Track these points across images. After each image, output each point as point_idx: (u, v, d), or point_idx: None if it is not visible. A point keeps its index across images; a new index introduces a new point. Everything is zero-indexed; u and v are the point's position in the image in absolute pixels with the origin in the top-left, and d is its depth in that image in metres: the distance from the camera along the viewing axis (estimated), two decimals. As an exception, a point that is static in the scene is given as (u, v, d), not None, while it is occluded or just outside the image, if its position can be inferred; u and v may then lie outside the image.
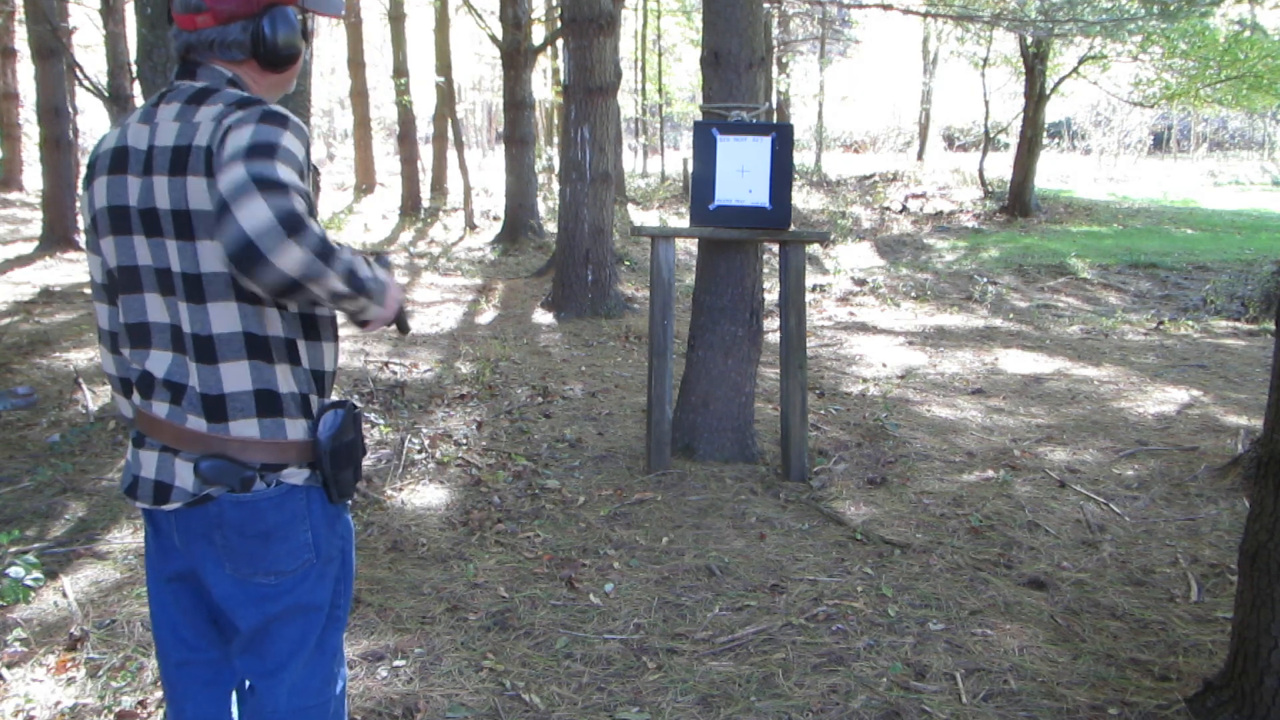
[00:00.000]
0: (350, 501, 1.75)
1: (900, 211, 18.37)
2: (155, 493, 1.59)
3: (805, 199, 19.85)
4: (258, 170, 1.37)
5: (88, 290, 9.21)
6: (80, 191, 1.63)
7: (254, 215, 1.32)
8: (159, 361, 1.56)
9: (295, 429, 1.58)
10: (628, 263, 12.25)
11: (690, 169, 4.66)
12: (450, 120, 18.73)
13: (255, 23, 1.59)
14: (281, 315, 1.57)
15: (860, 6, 14.29)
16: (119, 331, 1.62)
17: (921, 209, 18.42)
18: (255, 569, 1.60)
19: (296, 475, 1.59)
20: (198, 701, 1.75)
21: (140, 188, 1.52)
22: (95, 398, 5.52)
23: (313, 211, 1.43)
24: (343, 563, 1.72)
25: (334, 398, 1.69)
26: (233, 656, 1.71)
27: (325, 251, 1.38)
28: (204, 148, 1.48)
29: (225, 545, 1.59)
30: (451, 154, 19.65)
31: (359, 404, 5.42)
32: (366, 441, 4.87)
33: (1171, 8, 11.31)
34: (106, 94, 9.90)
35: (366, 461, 4.62)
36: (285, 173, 1.40)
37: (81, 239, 12.77)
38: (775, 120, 10.49)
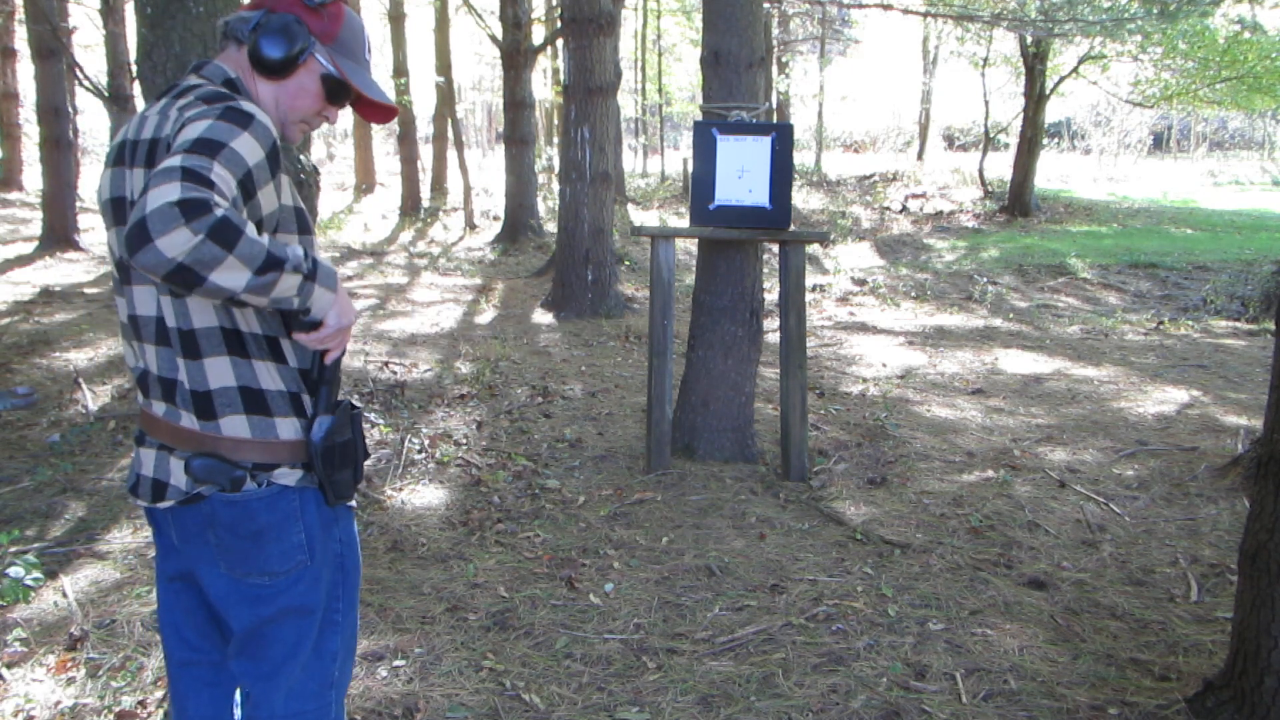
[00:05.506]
0: (353, 504, 1.73)
1: (900, 211, 18.36)
2: (153, 491, 1.60)
3: (805, 199, 19.85)
4: (191, 163, 1.31)
5: (88, 290, 9.21)
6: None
7: (159, 197, 1.26)
8: (152, 356, 1.57)
9: (287, 429, 1.58)
10: (628, 263, 12.24)
11: (690, 169, 4.66)
12: (450, 120, 18.75)
13: (265, 13, 1.59)
14: (258, 312, 1.54)
15: (860, 6, 14.29)
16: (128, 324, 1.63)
17: (921, 209, 18.41)
18: (249, 569, 1.59)
19: (289, 476, 1.59)
20: (199, 701, 1.76)
21: (129, 179, 1.54)
22: (95, 398, 5.52)
23: (242, 224, 1.31)
24: (340, 567, 1.69)
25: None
26: (229, 660, 1.70)
27: (227, 237, 1.26)
28: (165, 139, 1.48)
29: (219, 544, 1.59)
30: (451, 154, 19.66)
31: (358, 404, 5.42)
32: (366, 441, 4.87)
33: (1171, 8, 11.32)
34: (106, 94, 9.90)
35: (366, 462, 4.61)
36: (219, 174, 1.33)
37: (81, 239, 12.69)
38: (775, 120, 10.49)
